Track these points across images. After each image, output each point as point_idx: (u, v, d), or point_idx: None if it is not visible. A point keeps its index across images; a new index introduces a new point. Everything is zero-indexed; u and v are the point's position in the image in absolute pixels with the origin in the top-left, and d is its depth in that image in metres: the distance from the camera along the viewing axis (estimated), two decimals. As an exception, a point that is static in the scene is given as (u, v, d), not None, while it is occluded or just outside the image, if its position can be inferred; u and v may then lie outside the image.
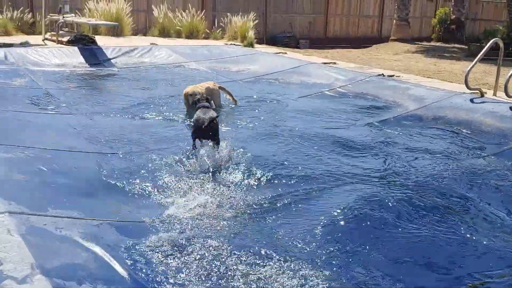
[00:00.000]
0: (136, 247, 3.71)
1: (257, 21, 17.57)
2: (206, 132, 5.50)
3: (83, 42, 12.65)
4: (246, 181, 5.02)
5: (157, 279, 3.38)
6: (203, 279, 3.40)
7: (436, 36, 22.47)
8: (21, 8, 15.45)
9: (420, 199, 4.82)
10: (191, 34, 16.75)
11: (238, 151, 5.70)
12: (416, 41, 21.01)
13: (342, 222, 4.25)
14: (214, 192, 4.77)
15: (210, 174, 5.13)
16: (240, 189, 4.88)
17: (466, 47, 18.69)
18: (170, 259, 3.61)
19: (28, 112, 7.18)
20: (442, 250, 3.97)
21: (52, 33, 13.60)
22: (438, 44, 21.00)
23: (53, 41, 13.15)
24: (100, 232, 3.84)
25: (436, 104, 8.43)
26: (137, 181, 4.93)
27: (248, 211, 4.48)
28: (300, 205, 4.61)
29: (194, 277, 3.41)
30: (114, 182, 4.90)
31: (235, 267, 3.55)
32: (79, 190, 4.69)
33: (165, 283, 3.35)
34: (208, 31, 17.58)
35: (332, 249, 3.86)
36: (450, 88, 9.28)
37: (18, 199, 4.07)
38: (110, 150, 5.81)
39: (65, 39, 12.91)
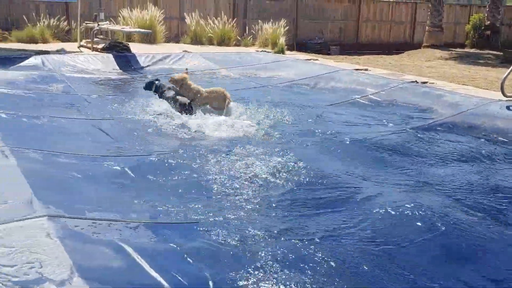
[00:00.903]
0: (175, 250, 3.70)
1: (287, 27, 17.59)
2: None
3: (117, 49, 12.86)
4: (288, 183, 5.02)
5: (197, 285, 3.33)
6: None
7: (470, 42, 22.10)
8: (57, 16, 15.83)
9: (457, 209, 4.74)
10: (223, 41, 16.88)
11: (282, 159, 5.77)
12: (450, 47, 20.71)
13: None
14: (254, 193, 4.78)
15: (247, 178, 5.15)
16: (281, 188, 4.88)
17: (501, 53, 18.35)
18: (211, 264, 3.53)
19: (65, 118, 7.32)
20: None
21: (87, 40, 13.88)
22: (472, 50, 20.64)
23: (88, 48, 13.42)
24: (137, 234, 3.87)
25: (471, 111, 8.28)
26: (174, 183, 4.97)
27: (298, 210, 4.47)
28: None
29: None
30: (150, 184, 4.96)
31: (290, 271, 3.51)
32: (116, 193, 4.76)
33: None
34: (239, 38, 17.70)
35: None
36: (486, 95, 9.11)
37: (56, 203, 4.15)
38: (145, 154, 5.88)
39: (100, 46, 13.17)
